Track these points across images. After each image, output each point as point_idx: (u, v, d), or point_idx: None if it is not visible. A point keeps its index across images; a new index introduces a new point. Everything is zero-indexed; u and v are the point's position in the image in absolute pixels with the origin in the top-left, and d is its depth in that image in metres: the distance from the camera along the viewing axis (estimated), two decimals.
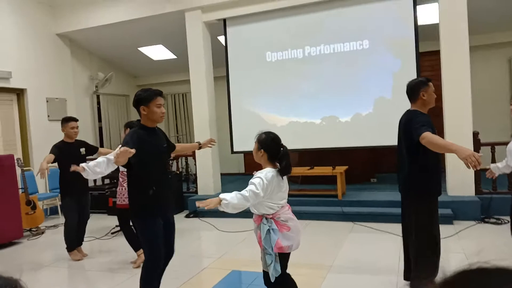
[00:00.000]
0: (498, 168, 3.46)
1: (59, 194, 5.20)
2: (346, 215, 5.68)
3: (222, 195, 2.43)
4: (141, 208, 2.83)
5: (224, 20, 6.99)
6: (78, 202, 4.69)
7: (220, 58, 7.26)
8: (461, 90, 5.56)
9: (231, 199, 2.42)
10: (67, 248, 4.76)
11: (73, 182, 4.47)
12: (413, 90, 3.09)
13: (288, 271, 2.71)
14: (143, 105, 2.85)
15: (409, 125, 2.91)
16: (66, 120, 4.70)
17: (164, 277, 3.80)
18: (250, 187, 2.50)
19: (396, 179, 3.29)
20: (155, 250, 2.86)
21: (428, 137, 2.72)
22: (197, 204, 2.41)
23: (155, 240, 2.84)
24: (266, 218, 2.61)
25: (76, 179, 4.02)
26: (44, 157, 4.42)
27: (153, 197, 2.82)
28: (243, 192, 2.47)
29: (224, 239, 5.29)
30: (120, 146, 2.65)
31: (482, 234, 4.82)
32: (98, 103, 8.95)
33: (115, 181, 7.28)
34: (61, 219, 6.96)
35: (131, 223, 4.21)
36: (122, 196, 4.35)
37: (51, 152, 4.50)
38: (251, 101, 6.93)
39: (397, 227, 5.10)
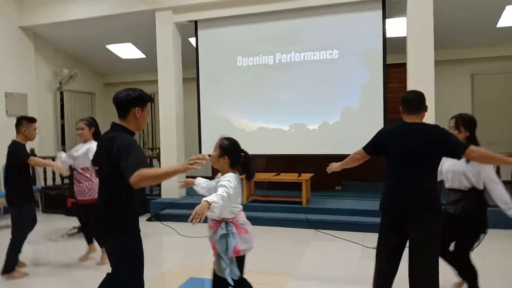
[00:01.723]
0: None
1: (12, 203, 4.13)
2: (309, 222, 5.69)
3: (209, 198, 2.32)
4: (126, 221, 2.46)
5: (196, 22, 6.90)
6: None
7: (191, 60, 7.16)
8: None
9: (218, 200, 2.33)
10: (7, 270, 4.01)
11: (31, 186, 4.28)
12: (422, 102, 2.92)
13: (248, 278, 2.66)
14: (139, 106, 2.44)
15: (449, 140, 2.64)
16: (30, 120, 4.21)
17: None
18: (223, 189, 2.45)
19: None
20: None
21: (478, 150, 2.62)
22: (191, 221, 2.25)
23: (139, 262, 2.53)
24: (226, 223, 2.58)
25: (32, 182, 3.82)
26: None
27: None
28: (220, 193, 2.41)
29: (184, 244, 5.17)
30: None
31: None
32: (62, 99, 8.64)
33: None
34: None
35: None
36: (83, 193, 4.36)
37: (28, 154, 4.24)
38: (220, 105, 6.85)
39: (359, 236, 5.16)
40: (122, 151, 2.26)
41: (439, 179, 3.08)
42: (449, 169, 3.17)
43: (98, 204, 2.48)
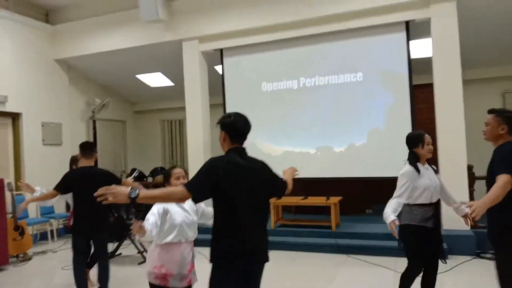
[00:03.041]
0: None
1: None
2: (339, 247, 5.58)
3: None
4: None
5: (221, 50, 7.09)
6: None
7: (217, 87, 7.32)
8: (455, 123, 5.58)
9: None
10: None
11: None
12: None
13: None
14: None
15: None
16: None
17: None
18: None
19: None
20: None
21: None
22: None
23: None
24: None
25: None
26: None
27: None
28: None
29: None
30: None
31: (477, 269, 4.72)
32: (94, 128, 8.95)
33: None
34: (50, 245, 6.85)
35: None
36: None
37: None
38: (247, 135, 6.91)
39: (392, 261, 5.02)
40: None
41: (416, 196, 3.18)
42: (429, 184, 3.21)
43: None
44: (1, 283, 4.95)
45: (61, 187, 4.07)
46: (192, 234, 2.79)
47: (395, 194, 3.16)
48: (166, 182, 2.86)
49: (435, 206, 3.24)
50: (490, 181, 2.65)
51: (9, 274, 5.34)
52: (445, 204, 3.46)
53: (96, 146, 8.87)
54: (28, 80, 7.38)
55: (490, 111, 2.84)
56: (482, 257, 5.11)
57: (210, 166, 2.29)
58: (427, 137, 3.29)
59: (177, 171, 2.89)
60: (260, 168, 2.48)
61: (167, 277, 2.62)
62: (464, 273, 4.57)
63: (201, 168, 2.30)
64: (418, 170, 3.16)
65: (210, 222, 2.81)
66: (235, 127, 2.46)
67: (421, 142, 3.25)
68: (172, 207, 2.71)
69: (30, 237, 6.13)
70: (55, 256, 6.20)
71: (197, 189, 2.19)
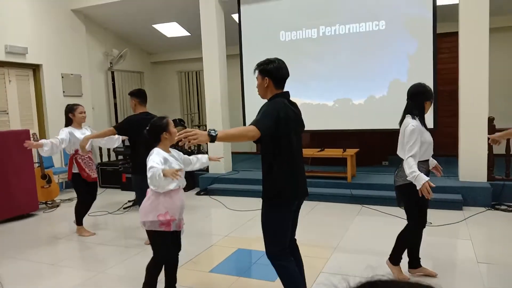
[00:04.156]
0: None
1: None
2: (354, 198, 5.69)
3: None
4: None
5: None
6: None
7: (234, 36, 7.20)
8: (479, 74, 5.42)
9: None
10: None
11: None
12: None
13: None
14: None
15: None
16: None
17: None
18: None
19: None
20: None
21: None
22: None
23: None
24: None
25: None
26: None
27: None
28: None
29: (232, 218, 5.36)
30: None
31: (491, 221, 4.78)
32: (113, 79, 9.01)
33: (127, 157, 7.41)
34: (75, 193, 7.16)
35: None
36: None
37: None
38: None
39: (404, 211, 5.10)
40: None
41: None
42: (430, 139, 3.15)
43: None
44: (33, 228, 5.27)
45: (121, 128, 4.35)
46: (184, 181, 2.92)
47: (409, 152, 2.97)
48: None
49: None
50: None
51: (39, 219, 5.66)
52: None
53: (115, 97, 8.99)
54: (46, 32, 7.38)
55: None
56: (497, 209, 5.15)
57: (273, 108, 2.42)
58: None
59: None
60: (299, 112, 2.69)
61: (171, 222, 2.76)
62: (478, 225, 4.63)
63: (264, 110, 2.44)
64: (425, 125, 3.08)
65: (189, 168, 3.10)
66: (280, 73, 2.61)
67: (432, 98, 3.16)
68: (168, 156, 2.80)
69: (56, 186, 6.42)
70: None
71: (266, 128, 2.32)
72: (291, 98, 2.70)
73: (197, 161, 3.17)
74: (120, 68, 9.19)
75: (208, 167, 7.24)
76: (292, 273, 2.52)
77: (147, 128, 2.84)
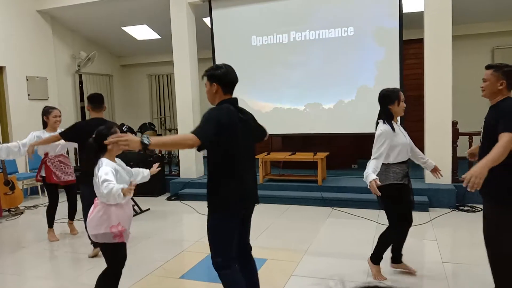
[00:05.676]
0: None
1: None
2: (325, 201, 5.77)
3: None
4: None
5: (210, 2, 6.88)
6: None
7: (206, 40, 7.17)
8: (443, 79, 5.62)
9: None
10: None
11: None
12: None
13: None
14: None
15: None
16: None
17: (143, 259, 3.84)
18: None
19: None
20: None
21: None
22: None
23: None
24: None
25: None
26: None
27: None
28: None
29: (203, 223, 5.24)
30: None
31: (455, 221, 4.95)
32: (81, 82, 8.80)
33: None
34: (41, 199, 6.93)
35: None
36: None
37: None
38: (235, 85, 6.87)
39: (374, 213, 5.23)
40: None
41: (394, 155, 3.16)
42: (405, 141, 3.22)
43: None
44: None
45: (68, 135, 4.07)
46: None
47: (374, 155, 3.05)
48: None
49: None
50: (488, 137, 2.60)
51: (2, 227, 5.44)
52: (414, 161, 3.46)
53: (83, 100, 8.78)
54: (10, 33, 7.13)
55: (488, 67, 2.72)
56: (461, 210, 5.33)
57: (214, 116, 2.35)
58: (402, 94, 3.23)
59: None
60: (250, 117, 2.61)
61: (123, 234, 2.68)
62: (443, 225, 4.79)
63: (206, 117, 2.36)
64: (393, 128, 3.11)
65: (139, 179, 3.00)
66: (228, 78, 2.53)
67: (397, 99, 3.17)
68: (116, 166, 2.71)
69: (20, 192, 6.19)
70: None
71: (206, 136, 2.25)
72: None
73: (139, 174, 3.04)
74: (88, 71, 8.99)
75: (179, 171, 7.17)
76: (237, 282, 2.46)
77: (93, 136, 2.72)
